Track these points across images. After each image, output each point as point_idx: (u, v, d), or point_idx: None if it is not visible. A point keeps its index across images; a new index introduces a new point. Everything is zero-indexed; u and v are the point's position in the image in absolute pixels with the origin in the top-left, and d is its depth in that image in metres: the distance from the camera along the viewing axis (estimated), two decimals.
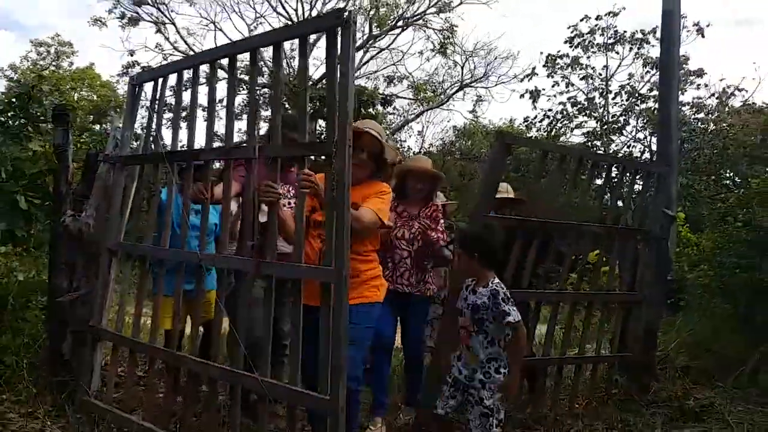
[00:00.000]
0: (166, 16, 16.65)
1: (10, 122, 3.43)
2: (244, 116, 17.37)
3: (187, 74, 3.15)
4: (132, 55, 17.30)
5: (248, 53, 2.83)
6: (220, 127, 15.12)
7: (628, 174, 4.46)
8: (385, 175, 2.98)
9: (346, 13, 2.29)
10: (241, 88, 17.25)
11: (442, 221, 3.81)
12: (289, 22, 17.26)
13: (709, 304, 5.97)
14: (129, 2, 16.00)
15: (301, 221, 2.50)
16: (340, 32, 2.34)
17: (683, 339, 5.22)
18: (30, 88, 3.31)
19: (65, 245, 3.23)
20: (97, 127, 15.54)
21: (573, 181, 4.30)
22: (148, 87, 3.33)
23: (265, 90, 16.97)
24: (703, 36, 16.05)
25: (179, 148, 3.18)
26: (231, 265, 2.74)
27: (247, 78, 17.00)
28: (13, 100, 3.43)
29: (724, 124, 15.79)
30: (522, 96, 17.41)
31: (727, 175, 15.79)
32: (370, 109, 14.77)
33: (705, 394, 4.44)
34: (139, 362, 3.58)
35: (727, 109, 16.50)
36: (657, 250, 4.36)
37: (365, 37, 16.81)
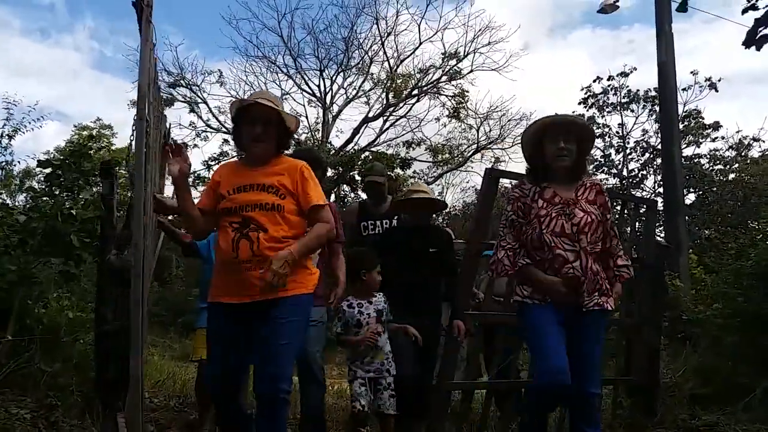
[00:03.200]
0: (198, 96, 17.83)
1: (65, 177, 3.99)
2: None
3: None
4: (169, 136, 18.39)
5: None
6: None
7: (625, 208, 4.80)
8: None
9: None
10: None
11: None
12: (312, 98, 18.29)
13: (720, 338, 6.09)
14: (164, 85, 17.27)
15: None
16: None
17: (691, 366, 5.36)
18: (82, 146, 3.87)
19: (109, 280, 3.68)
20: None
21: None
22: None
23: None
24: (716, 90, 16.45)
25: None
26: None
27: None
28: (68, 156, 4.01)
29: (744, 174, 15.97)
30: None
31: (755, 226, 15.79)
32: (390, 172, 15.38)
33: (713, 416, 4.57)
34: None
35: (747, 159, 16.69)
36: (652, 278, 4.62)
37: (383, 107, 17.68)
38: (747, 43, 3.71)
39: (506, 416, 3.96)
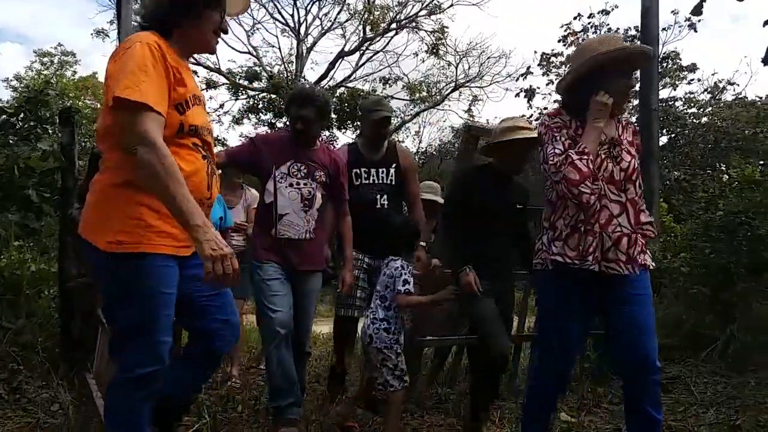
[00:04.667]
0: None
1: (20, 124, 3.74)
2: (245, 120, 17.73)
3: None
4: None
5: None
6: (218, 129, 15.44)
7: None
8: None
9: None
10: (241, 93, 17.60)
11: None
12: (285, 27, 17.61)
13: (686, 288, 6.24)
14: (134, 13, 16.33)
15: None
16: None
17: (657, 316, 5.49)
18: (38, 93, 3.62)
19: (73, 235, 3.54)
20: None
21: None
22: None
23: (264, 94, 17.30)
24: (695, 30, 16.29)
25: None
26: None
27: (247, 83, 17.46)
28: (24, 104, 3.75)
29: (716, 118, 16.06)
30: (517, 95, 17.64)
31: (722, 167, 16.03)
32: None
33: (675, 368, 4.72)
34: None
35: (720, 103, 16.75)
36: None
37: (359, 40, 17.15)
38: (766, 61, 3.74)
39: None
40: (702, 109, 16.88)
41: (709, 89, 17.07)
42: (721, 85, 16.94)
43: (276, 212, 3.08)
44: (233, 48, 17.97)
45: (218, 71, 16.78)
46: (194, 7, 2.05)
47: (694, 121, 16.47)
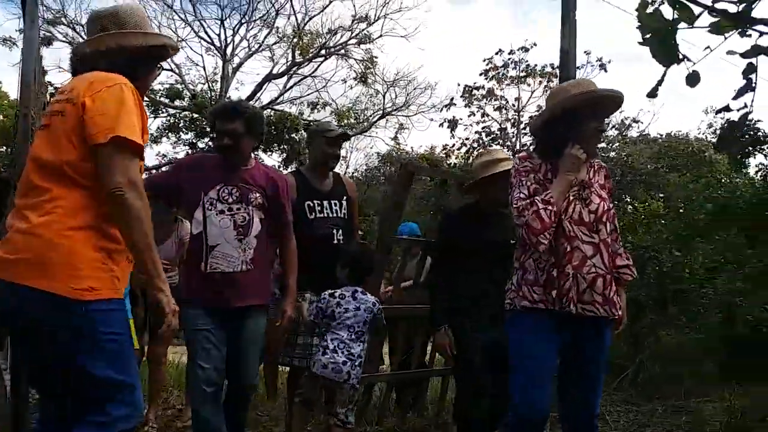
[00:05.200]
0: (81, 37, 16.28)
1: None
2: (164, 139, 17.18)
3: None
4: (45, 75, 16.69)
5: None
6: None
7: None
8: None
9: None
10: (161, 111, 17.08)
11: None
12: (211, 47, 17.31)
13: None
14: (43, 22, 15.62)
15: None
16: None
17: None
18: None
19: None
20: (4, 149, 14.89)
21: None
22: None
23: (186, 113, 16.87)
24: (606, 71, 17.36)
25: None
26: None
27: (168, 101, 16.96)
28: None
29: (623, 153, 17.22)
30: (441, 125, 18.17)
31: (627, 200, 17.14)
32: (294, 134, 15.06)
33: None
34: None
35: (626, 139, 17.96)
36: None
37: (288, 64, 17.13)
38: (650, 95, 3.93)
39: (404, 407, 4.06)
40: (610, 145, 17.98)
41: (616, 126, 18.23)
42: (627, 122, 18.14)
43: (206, 244, 2.77)
44: None
45: None
46: (152, 63, 2.15)
47: (603, 155, 17.52)
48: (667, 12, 0.92)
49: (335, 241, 3.37)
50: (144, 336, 3.85)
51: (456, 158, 18.82)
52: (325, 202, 3.44)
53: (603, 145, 17.90)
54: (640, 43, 0.93)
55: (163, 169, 19.15)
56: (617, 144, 18.12)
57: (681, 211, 7.89)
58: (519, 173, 2.44)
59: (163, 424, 4.03)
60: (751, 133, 7.50)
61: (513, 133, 18.37)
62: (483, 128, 18.15)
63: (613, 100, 2.45)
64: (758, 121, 8.87)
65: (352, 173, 19.48)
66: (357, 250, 3.27)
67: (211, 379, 2.70)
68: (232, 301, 2.80)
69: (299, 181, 3.45)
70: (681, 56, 0.94)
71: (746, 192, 7.21)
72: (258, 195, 2.88)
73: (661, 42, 0.93)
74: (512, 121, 18.35)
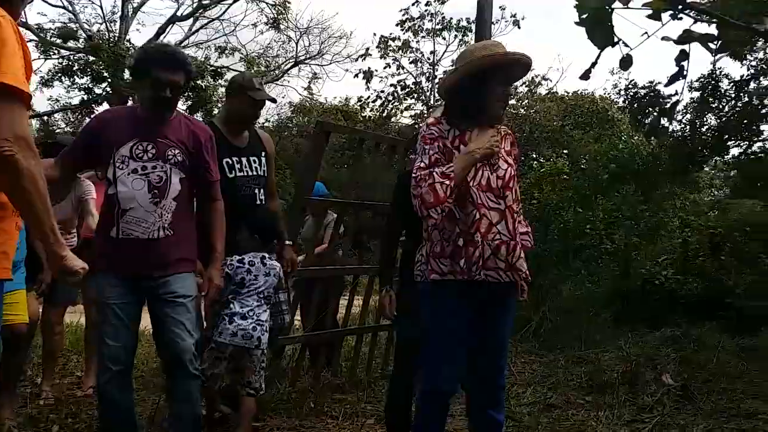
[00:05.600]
0: None
1: None
2: (56, 83, 15.80)
3: None
4: None
5: None
6: None
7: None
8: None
9: None
10: (53, 52, 15.66)
11: None
12: None
13: None
14: None
15: None
16: None
17: None
18: None
19: None
20: None
21: (387, 164, 4.46)
22: None
23: (81, 56, 15.56)
24: (519, 27, 17.61)
25: None
26: None
27: (60, 41, 15.54)
28: None
29: (532, 111, 17.74)
30: (356, 76, 17.87)
31: (533, 156, 17.78)
32: (200, 81, 14.27)
33: None
34: None
35: (534, 96, 18.47)
36: None
37: (195, 5, 16.11)
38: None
39: (318, 368, 4.06)
40: (520, 102, 18.44)
41: (526, 83, 18.66)
42: (537, 80, 18.61)
43: (118, 207, 2.46)
44: (44, 0, 15.82)
45: (25, 26, 14.74)
46: None
47: (512, 112, 17.95)
48: None
49: (258, 202, 3.15)
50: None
51: (371, 111, 18.68)
52: (244, 159, 3.15)
53: (513, 101, 18.35)
54: (576, 23, 0.89)
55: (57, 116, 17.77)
56: (526, 101, 18.61)
57: (584, 168, 8.27)
58: (424, 140, 2.35)
59: (61, 393, 3.78)
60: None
61: (428, 87, 18.40)
62: (398, 81, 18.05)
63: (521, 64, 2.38)
64: (659, 83, 9.36)
65: (263, 123, 18.88)
66: (265, 214, 3.12)
67: (118, 358, 2.45)
68: (148, 270, 2.50)
69: (217, 136, 3.06)
70: (616, 39, 0.91)
71: (643, 150, 7.64)
72: (177, 152, 2.56)
73: (597, 23, 0.88)
74: (427, 75, 18.35)
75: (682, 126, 9.01)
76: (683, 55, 0.99)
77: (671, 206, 9.06)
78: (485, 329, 2.37)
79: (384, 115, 18.16)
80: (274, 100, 3.27)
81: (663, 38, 0.95)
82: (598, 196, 6.67)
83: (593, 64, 1.02)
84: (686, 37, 0.94)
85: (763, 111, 9.49)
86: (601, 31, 0.83)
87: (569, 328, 5.50)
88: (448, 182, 2.23)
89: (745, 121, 9.58)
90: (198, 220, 2.76)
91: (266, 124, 18.84)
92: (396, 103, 18.43)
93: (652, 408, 3.68)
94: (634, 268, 6.24)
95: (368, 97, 18.45)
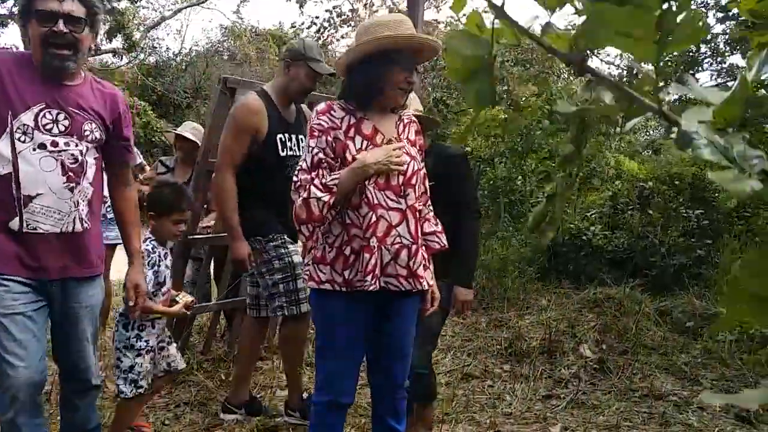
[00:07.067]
0: None
1: None
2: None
3: None
4: None
5: None
6: None
7: None
8: None
9: None
10: None
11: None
12: None
13: None
14: None
15: None
16: None
17: None
18: None
19: None
20: None
21: None
22: None
23: None
24: None
25: None
26: None
27: None
28: None
29: None
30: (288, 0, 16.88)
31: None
32: (116, 3, 13.00)
33: None
34: None
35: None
36: None
37: None
38: None
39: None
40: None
41: (467, 14, 18.14)
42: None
43: (19, 192, 1.94)
44: None
45: None
46: None
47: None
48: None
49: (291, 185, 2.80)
50: None
51: (306, 36, 17.80)
52: (294, 137, 2.88)
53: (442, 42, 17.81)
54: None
55: None
56: None
57: (521, 115, 8.04)
58: (311, 132, 2.08)
59: None
60: None
61: (365, 15, 17.56)
62: (334, 7, 17.14)
63: (430, 49, 2.07)
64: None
65: (190, 49, 17.72)
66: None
67: (24, 381, 1.95)
68: (61, 272, 2.05)
69: (268, 106, 2.80)
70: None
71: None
72: (95, 126, 2.08)
73: (473, 78, 0.57)
74: (364, 2, 17.49)
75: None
76: None
77: (607, 148, 9.07)
78: (383, 338, 2.18)
79: (320, 42, 17.30)
80: (334, 75, 2.78)
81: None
82: (531, 153, 6.45)
83: (468, 128, 0.74)
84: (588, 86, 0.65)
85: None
86: (477, 88, 0.52)
87: (493, 288, 5.40)
88: (326, 198, 1.96)
89: (683, 67, 9.57)
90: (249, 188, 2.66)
91: (195, 48, 17.71)
92: (332, 31, 17.59)
93: (568, 382, 3.63)
94: (563, 223, 6.15)
95: (302, 23, 17.53)
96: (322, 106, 2.12)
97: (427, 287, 2.13)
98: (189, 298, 2.69)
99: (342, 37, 17.55)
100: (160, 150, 13.17)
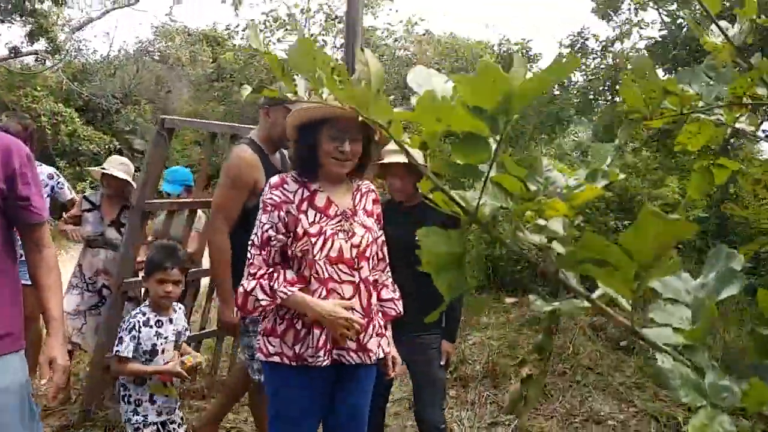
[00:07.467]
0: None
1: None
2: None
3: None
4: None
5: None
6: None
7: None
8: None
9: None
10: None
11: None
12: None
13: None
14: None
15: None
16: None
17: None
18: None
19: None
20: None
21: None
22: None
23: None
24: None
25: None
26: None
27: None
28: None
29: (408, 51, 17.46)
30: (224, 1, 16.55)
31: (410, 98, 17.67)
32: (39, 4, 12.32)
33: None
34: None
35: (411, 36, 18.16)
36: None
37: None
38: None
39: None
40: (398, 42, 18.10)
41: (404, 22, 18.30)
42: (413, 20, 18.28)
43: None
44: None
45: None
46: None
47: (393, 52, 17.64)
48: None
49: None
50: None
51: (241, 39, 17.48)
52: None
53: (391, 41, 17.91)
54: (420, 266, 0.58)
55: None
56: (404, 41, 18.28)
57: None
58: (264, 207, 2.05)
59: None
60: None
61: (302, 21, 17.42)
62: (270, 11, 16.93)
63: (347, 120, 1.95)
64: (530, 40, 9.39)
65: (119, 51, 17.07)
66: None
67: None
68: None
69: (261, 157, 2.66)
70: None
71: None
72: None
73: (445, 269, 0.57)
74: (302, 7, 17.35)
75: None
76: None
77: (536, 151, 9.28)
78: (338, 405, 2.16)
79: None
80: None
81: None
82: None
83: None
84: None
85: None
86: (450, 280, 0.53)
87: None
88: (264, 303, 1.97)
89: (609, 82, 10.00)
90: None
91: (126, 47, 17.09)
92: (268, 35, 17.32)
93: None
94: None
95: (237, 25, 17.22)
96: (275, 179, 2.10)
97: (376, 361, 2.11)
98: (196, 360, 2.58)
99: (278, 40, 17.33)
100: (86, 159, 12.61)
